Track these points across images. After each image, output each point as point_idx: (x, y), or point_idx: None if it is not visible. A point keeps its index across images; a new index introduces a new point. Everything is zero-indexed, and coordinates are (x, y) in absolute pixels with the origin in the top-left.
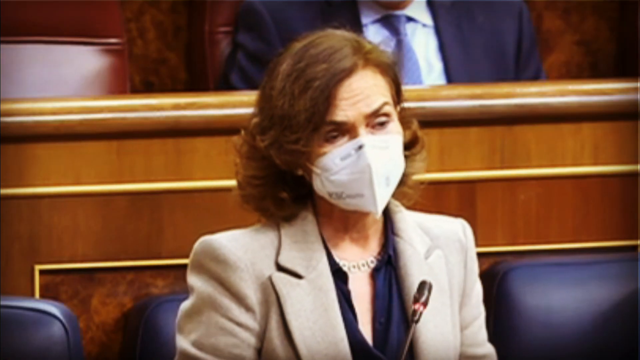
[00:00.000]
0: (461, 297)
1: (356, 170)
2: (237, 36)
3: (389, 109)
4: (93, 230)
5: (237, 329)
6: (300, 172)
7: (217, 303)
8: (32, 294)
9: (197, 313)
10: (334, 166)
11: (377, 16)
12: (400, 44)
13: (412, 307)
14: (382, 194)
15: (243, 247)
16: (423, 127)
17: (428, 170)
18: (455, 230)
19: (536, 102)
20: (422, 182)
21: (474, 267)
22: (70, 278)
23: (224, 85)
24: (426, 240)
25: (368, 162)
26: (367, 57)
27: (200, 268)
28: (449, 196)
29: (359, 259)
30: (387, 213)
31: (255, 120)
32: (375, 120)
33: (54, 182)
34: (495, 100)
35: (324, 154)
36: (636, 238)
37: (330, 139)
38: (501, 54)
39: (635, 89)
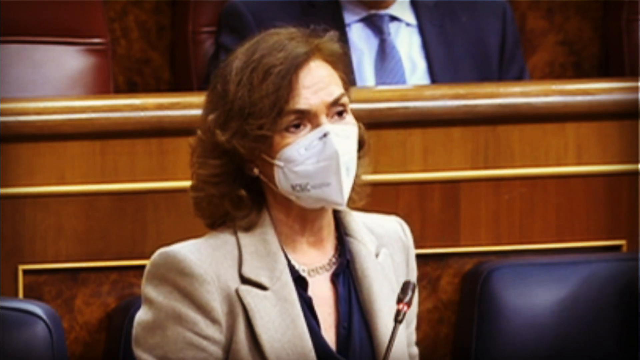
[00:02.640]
0: None
1: (322, 158)
2: (219, 37)
3: (346, 99)
4: (77, 230)
5: (204, 343)
6: (256, 172)
7: (183, 317)
8: (16, 294)
9: (161, 327)
10: (299, 156)
11: (361, 16)
12: (383, 43)
13: (397, 306)
14: (347, 183)
15: (207, 259)
16: (407, 127)
17: (412, 170)
18: (395, 229)
19: (520, 102)
20: (366, 185)
21: (415, 267)
22: (54, 278)
23: (207, 86)
24: (373, 239)
25: (335, 149)
26: (319, 47)
27: (162, 280)
28: (432, 196)
29: (316, 262)
30: (336, 215)
31: (211, 117)
32: (335, 110)
33: (37, 182)
34: (479, 100)
35: (287, 144)
36: (620, 238)
37: (292, 129)
38: (485, 54)
39: (619, 89)
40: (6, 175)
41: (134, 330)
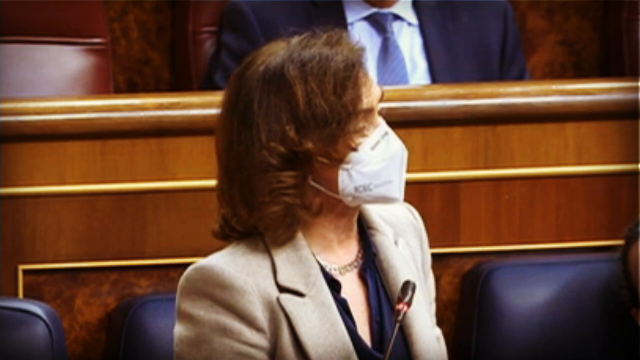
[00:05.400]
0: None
1: (387, 157)
2: (221, 36)
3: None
4: (77, 230)
5: (253, 351)
6: (309, 180)
7: (228, 328)
8: (16, 294)
9: (206, 342)
10: (367, 157)
11: (363, 14)
12: (386, 42)
13: (397, 306)
14: (404, 178)
15: (244, 270)
16: (407, 127)
17: (411, 170)
18: (406, 215)
19: (520, 101)
20: None
21: (428, 249)
22: (54, 278)
23: (208, 84)
24: (389, 229)
25: (401, 145)
26: (352, 48)
27: (201, 295)
28: (432, 196)
29: (345, 260)
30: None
31: (288, 127)
32: (379, 105)
33: (37, 182)
34: (479, 100)
35: (357, 145)
36: (620, 238)
37: (359, 130)
38: (486, 54)
39: (619, 89)
40: (6, 175)
41: (176, 348)
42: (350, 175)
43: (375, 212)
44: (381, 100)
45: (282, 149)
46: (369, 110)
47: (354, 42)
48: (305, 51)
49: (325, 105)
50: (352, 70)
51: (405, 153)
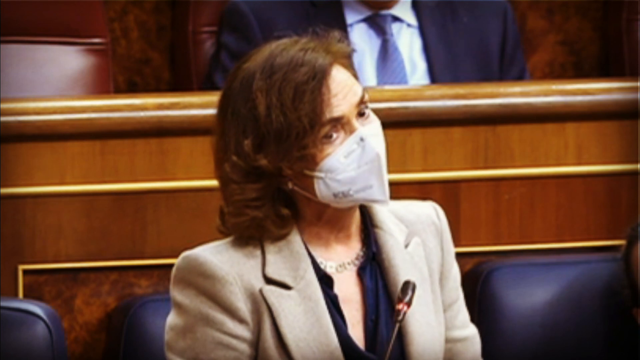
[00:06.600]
0: (439, 280)
1: (364, 162)
2: (221, 36)
3: (367, 96)
4: (77, 230)
5: (234, 342)
6: (290, 186)
7: (210, 318)
8: (16, 294)
9: (190, 330)
10: (340, 165)
11: (362, 16)
12: (386, 43)
13: (396, 307)
14: (386, 179)
15: (229, 260)
16: (407, 127)
17: (411, 170)
18: (428, 214)
19: (520, 102)
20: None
21: (451, 249)
22: (54, 278)
23: (208, 85)
24: (403, 228)
25: (377, 152)
26: (334, 53)
27: (187, 284)
28: (432, 196)
29: (344, 257)
30: (362, 207)
31: (246, 142)
32: (361, 109)
33: (37, 182)
34: (479, 100)
35: (327, 155)
36: (620, 238)
37: (327, 139)
38: (485, 54)
39: (619, 89)
40: (6, 175)
41: (166, 335)
42: (326, 184)
43: (387, 210)
44: (361, 103)
45: (241, 163)
46: (338, 119)
47: (341, 44)
48: (280, 58)
49: (283, 119)
50: (313, 81)
51: (382, 159)
